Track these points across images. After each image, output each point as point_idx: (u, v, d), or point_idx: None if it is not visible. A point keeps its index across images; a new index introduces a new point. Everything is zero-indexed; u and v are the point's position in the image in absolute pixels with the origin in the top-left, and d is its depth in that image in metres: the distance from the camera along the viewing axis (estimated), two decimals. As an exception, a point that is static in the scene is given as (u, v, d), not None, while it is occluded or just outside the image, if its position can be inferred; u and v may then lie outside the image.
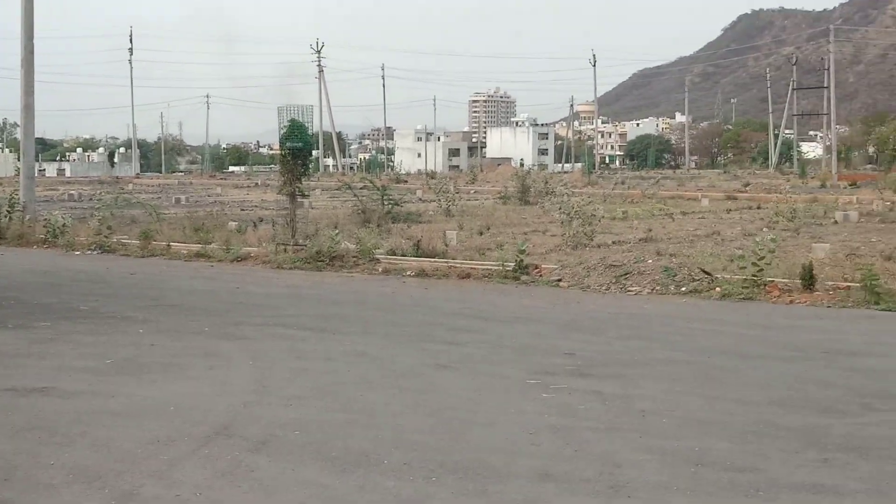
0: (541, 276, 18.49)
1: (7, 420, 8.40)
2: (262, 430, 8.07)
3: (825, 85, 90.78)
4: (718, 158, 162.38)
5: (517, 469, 7.05)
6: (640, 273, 17.22)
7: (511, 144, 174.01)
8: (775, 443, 7.69)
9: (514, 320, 13.97)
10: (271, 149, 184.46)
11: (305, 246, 21.34)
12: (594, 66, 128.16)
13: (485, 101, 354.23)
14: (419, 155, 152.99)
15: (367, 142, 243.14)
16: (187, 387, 9.68)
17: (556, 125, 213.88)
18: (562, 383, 9.73)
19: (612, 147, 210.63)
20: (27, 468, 7.13)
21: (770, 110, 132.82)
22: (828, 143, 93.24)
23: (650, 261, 17.86)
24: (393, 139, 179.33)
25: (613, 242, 24.79)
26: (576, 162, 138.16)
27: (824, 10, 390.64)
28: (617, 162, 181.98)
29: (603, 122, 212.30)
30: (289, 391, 9.47)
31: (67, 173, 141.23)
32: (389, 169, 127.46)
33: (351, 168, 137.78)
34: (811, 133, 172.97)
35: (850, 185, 59.14)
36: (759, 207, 40.23)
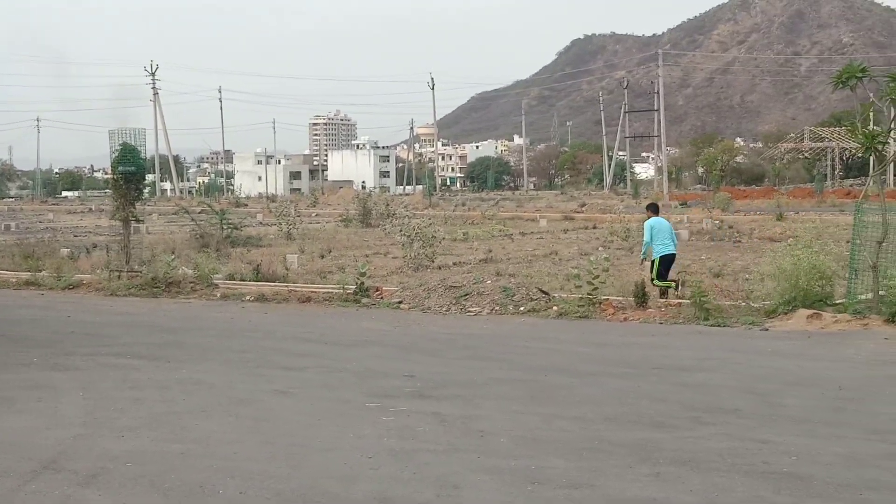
0: (382, 298, 18.51)
1: None
2: (93, 463, 7.82)
3: (655, 108, 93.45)
4: (556, 180, 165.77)
5: (355, 494, 7.01)
6: (479, 294, 17.40)
7: (352, 167, 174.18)
8: (610, 459, 7.85)
9: (354, 343, 13.92)
10: (105, 173, 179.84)
11: (141, 272, 20.87)
12: (433, 89, 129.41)
13: (325, 124, 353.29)
14: (260, 178, 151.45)
15: (205, 165, 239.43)
16: (14, 420, 9.31)
17: (397, 148, 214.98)
18: (402, 406, 9.74)
19: (452, 169, 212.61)
20: None
21: (604, 132, 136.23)
22: (659, 165, 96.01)
23: (489, 281, 18.07)
24: (233, 162, 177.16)
25: (454, 264, 25.00)
26: (417, 184, 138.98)
27: (654, 34, 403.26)
28: (458, 184, 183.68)
29: (443, 145, 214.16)
30: (121, 422, 9.20)
31: None
32: (229, 192, 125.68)
33: (189, 192, 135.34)
34: (643, 154, 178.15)
35: (681, 205, 61.07)
36: (594, 227, 41.21)
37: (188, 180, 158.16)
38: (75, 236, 39.94)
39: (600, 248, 28.95)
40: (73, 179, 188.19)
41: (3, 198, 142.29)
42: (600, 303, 16.48)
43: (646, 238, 18.06)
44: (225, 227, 33.25)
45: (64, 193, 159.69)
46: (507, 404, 9.81)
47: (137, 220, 23.09)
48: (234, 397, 10.29)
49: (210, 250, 28.35)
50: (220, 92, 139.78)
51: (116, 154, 21.96)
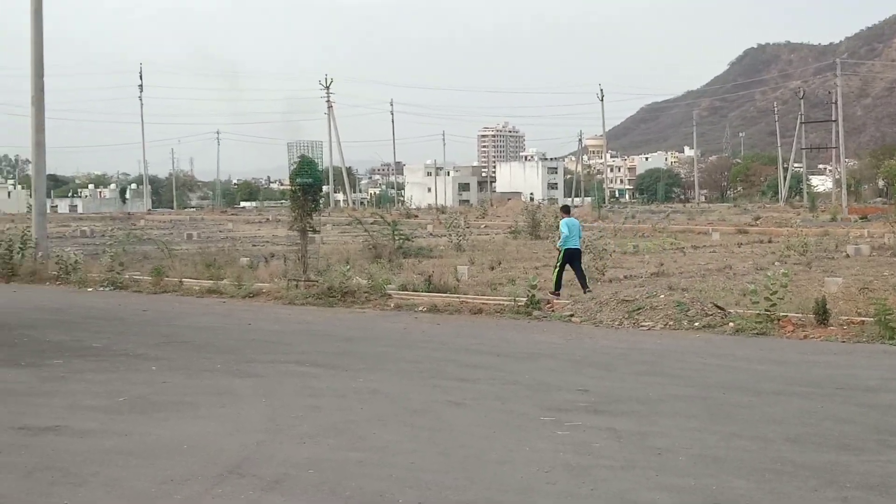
0: (553, 311, 18.45)
1: (20, 459, 8.36)
2: (276, 469, 8.03)
3: (833, 118, 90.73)
4: (728, 192, 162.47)
5: (533, 508, 6.99)
6: (652, 308, 17.17)
7: (520, 179, 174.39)
8: (793, 481, 7.62)
9: (526, 356, 13.91)
10: (282, 184, 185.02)
11: (317, 282, 21.33)
12: (602, 100, 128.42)
13: (493, 136, 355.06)
14: (429, 189, 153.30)
15: (377, 177, 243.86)
16: (200, 425, 9.64)
17: (565, 159, 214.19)
18: (576, 420, 9.67)
19: (621, 181, 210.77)
20: (40, 508, 7.10)
21: (779, 144, 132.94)
22: (837, 177, 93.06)
23: (662, 296, 17.80)
24: (403, 174, 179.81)
25: (625, 277, 24.76)
26: (585, 196, 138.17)
27: (830, 43, 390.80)
28: (626, 196, 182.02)
29: (612, 156, 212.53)
30: (301, 429, 9.42)
31: (79, 210, 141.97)
32: (400, 204, 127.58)
33: (361, 203, 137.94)
34: (820, 166, 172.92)
35: (860, 219, 59.06)
36: (769, 241, 40.16)
37: (360, 192, 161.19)
38: (253, 246, 41.17)
39: (776, 263, 28.19)
40: (250, 190, 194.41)
41: (185, 207, 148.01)
42: (779, 319, 16.03)
43: (563, 232, 21.59)
44: (397, 237, 33.74)
45: (242, 204, 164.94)
46: (684, 422, 9.64)
47: (314, 231, 23.59)
48: (409, 407, 10.42)
49: (383, 261, 28.83)
50: (391, 105, 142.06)
51: (295, 166, 22.46)
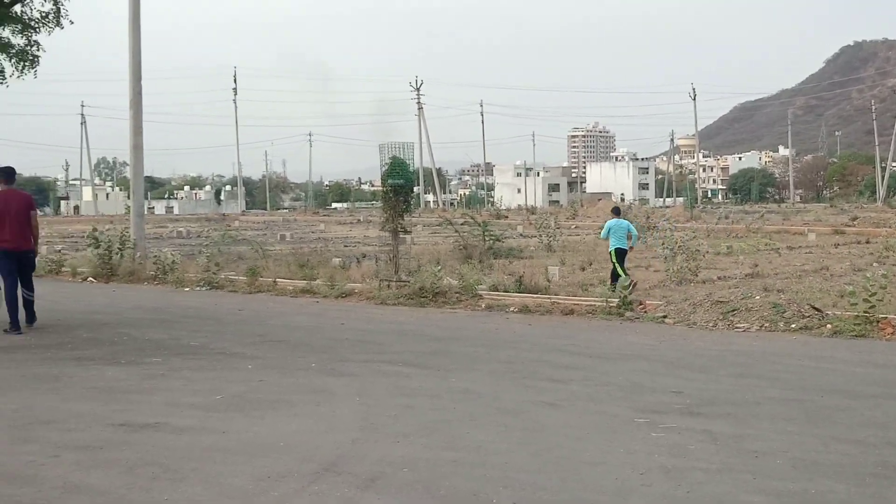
0: (645, 312, 18.30)
1: (121, 455, 8.56)
2: (371, 467, 8.09)
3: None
4: (824, 192, 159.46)
5: (628, 510, 6.95)
6: (747, 309, 16.92)
7: (611, 179, 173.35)
8: (896, 486, 7.46)
9: (619, 357, 13.82)
10: (372, 185, 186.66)
11: (408, 282, 21.45)
12: (694, 99, 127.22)
13: (583, 136, 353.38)
14: (519, 190, 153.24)
15: (466, 178, 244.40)
16: (296, 423, 9.76)
17: (656, 159, 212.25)
18: (671, 422, 9.59)
19: (713, 181, 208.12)
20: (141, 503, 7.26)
21: (876, 143, 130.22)
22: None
23: (758, 297, 17.54)
24: (492, 175, 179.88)
25: (719, 278, 24.46)
26: (677, 196, 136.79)
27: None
28: (719, 196, 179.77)
29: (704, 156, 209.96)
30: (395, 428, 9.48)
31: (175, 211, 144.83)
32: (489, 204, 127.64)
33: (451, 204, 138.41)
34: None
35: (964, 219, 57.47)
36: (867, 242, 39.34)
37: (450, 192, 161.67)
38: (345, 246, 41.56)
39: (875, 264, 27.60)
40: (341, 191, 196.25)
41: (278, 209, 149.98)
42: (878, 321, 15.68)
43: (603, 234, 24.16)
44: (487, 238, 33.77)
45: (333, 205, 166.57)
46: (781, 425, 9.48)
47: (405, 232, 23.71)
48: (502, 407, 10.42)
49: (473, 261, 28.86)
50: (481, 105, 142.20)
51: (386, 167, 22.62)
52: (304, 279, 23.93)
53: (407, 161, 23.01)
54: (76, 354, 14.29)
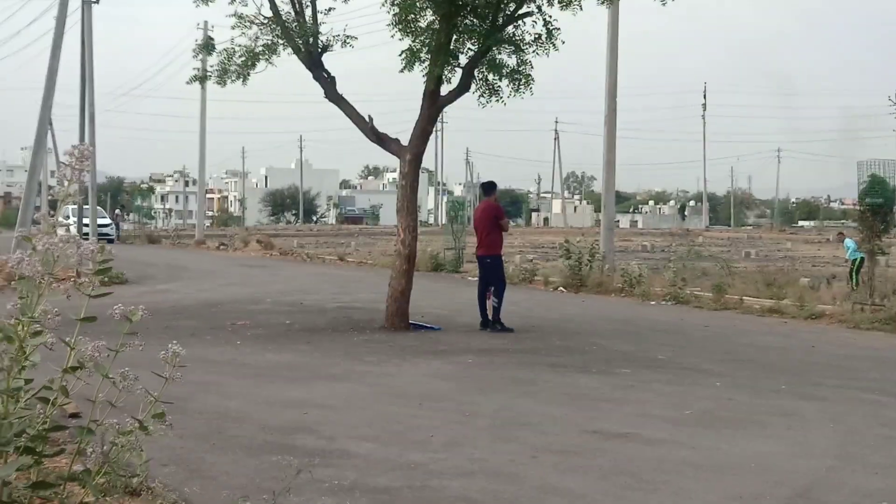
0: None
1: (594, 462, 8.86)
2: (845, 497, 7.81)
3: None
4: None
5: None
6: None
7: None
8: None
9: None
10: (842, 203, 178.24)
11: (884, 306, 20.37)
12: None
13: None
14: None
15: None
16: (766, 445, 9.60)
17: None
18: None
19: None
20: (616, 509, 7.50)
21: None
22: None
23: None
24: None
25: None
26: None
27: None
28: None
29: None
30: (874, 459, 9.07)
31: (639, 225, 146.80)
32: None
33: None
34: None
35: None
36: None
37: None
38: (813, 266, 40.15)
39: None
40: (809, 209, 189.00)
41: (742, 225, 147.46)
42: None
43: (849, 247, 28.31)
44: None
45: (800, 223, 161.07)
46: None
47: (882, 253, 22.55)
48: None
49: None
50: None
51: (864, 185, 21.70)
52: (771, 298, 23.43)
53: (887, 179, 21.91)
54: (550, 361, 14.95)
